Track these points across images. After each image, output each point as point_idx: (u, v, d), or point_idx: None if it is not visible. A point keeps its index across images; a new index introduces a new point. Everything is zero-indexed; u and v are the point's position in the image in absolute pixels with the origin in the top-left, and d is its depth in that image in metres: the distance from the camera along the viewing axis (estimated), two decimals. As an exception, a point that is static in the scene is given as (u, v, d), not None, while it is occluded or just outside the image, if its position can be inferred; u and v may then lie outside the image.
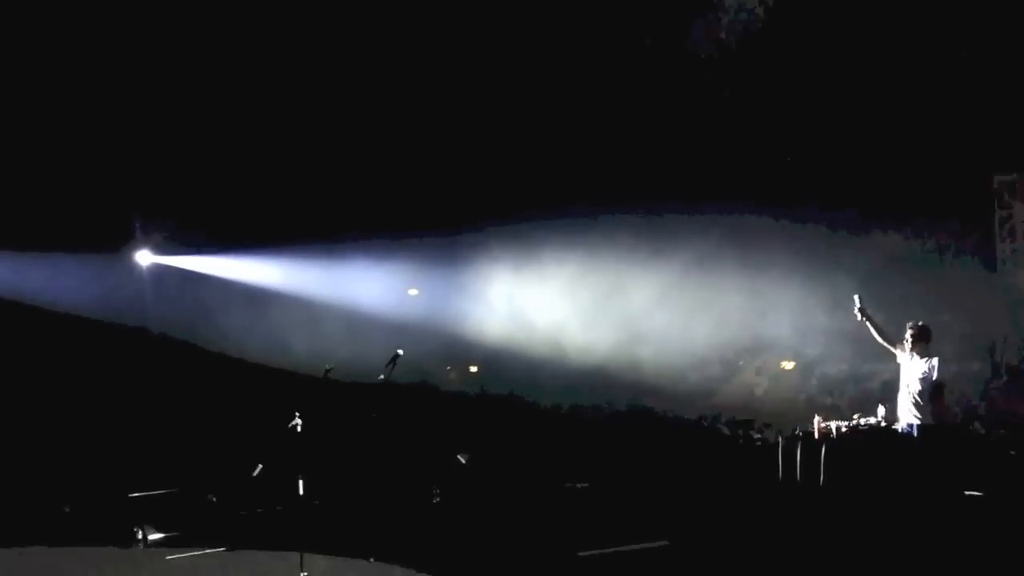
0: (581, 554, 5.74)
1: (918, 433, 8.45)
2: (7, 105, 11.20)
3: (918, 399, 8.43)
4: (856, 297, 8.78)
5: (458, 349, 14.58)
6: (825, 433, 9.32)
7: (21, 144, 11.63)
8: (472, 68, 12.29)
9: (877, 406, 9.27)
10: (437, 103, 12.61)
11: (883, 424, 9.11)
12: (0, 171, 11.73)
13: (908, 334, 8.57)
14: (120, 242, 13.45)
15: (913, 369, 8.51)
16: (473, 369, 15.01)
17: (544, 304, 14.01)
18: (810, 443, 9.34)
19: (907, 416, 8.56)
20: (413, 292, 14.93)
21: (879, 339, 8.83)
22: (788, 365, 12.97)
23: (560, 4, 11.76)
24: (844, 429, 9.32)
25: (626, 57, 11.96)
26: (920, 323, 8.65)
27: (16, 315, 12.58)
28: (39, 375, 12.41)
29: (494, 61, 12.19)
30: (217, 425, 12.28)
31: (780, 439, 9.78)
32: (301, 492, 7.57)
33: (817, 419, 9.44)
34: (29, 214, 12.08)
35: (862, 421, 9.34)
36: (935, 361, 8.44)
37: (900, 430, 8.67)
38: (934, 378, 8.38)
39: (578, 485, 10.49)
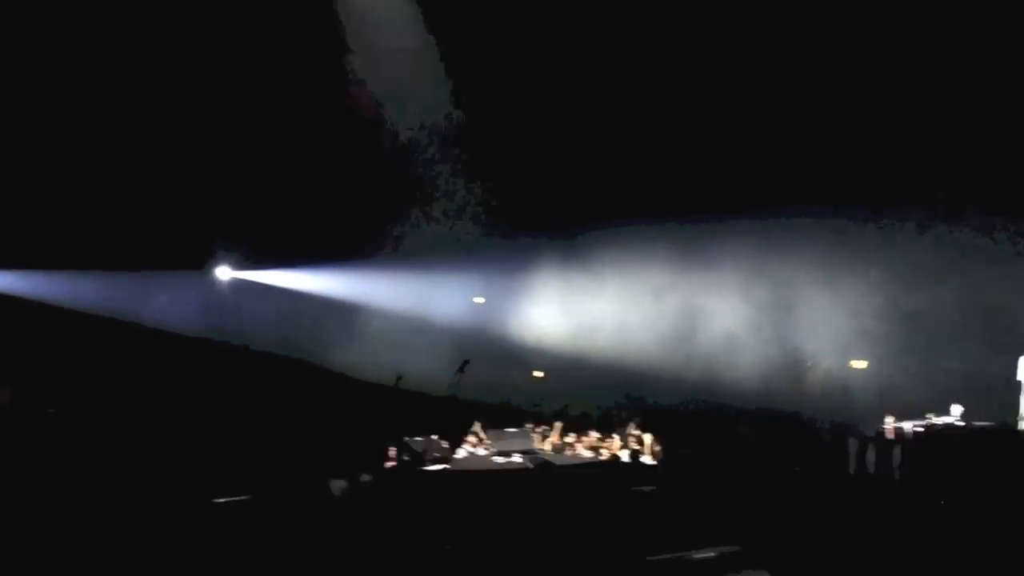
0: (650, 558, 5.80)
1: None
2: (108, 149, 11.92)
3: None
4: None
5: (523, 355, 14.74)
6: (898, 433, 9.16)
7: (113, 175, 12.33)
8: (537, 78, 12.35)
9: (951, 405, 9.07)
10: (507, 117, 12.78)
11: (958, 424, 8.91)
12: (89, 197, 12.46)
13: None
14: (203, 259, 14.09)
15: None
16: (538, 374, 15.14)
17: (610, 308, 14.07)
18: (883, 443, 9.19)
19: None
20: (479, 300, 15.17)
21: None
22: (860, 364, 12.71)
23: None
24: (919, 429, 9.14)
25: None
26: None
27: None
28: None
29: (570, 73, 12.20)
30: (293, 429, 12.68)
31: (852, 439, 9.62)
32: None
33: (890, 419, 9.28)
34: (117, 236, 12.77)
35: (937, 421, 9.15)
36: None
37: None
38: None
39: (645, 488, 10.49)
